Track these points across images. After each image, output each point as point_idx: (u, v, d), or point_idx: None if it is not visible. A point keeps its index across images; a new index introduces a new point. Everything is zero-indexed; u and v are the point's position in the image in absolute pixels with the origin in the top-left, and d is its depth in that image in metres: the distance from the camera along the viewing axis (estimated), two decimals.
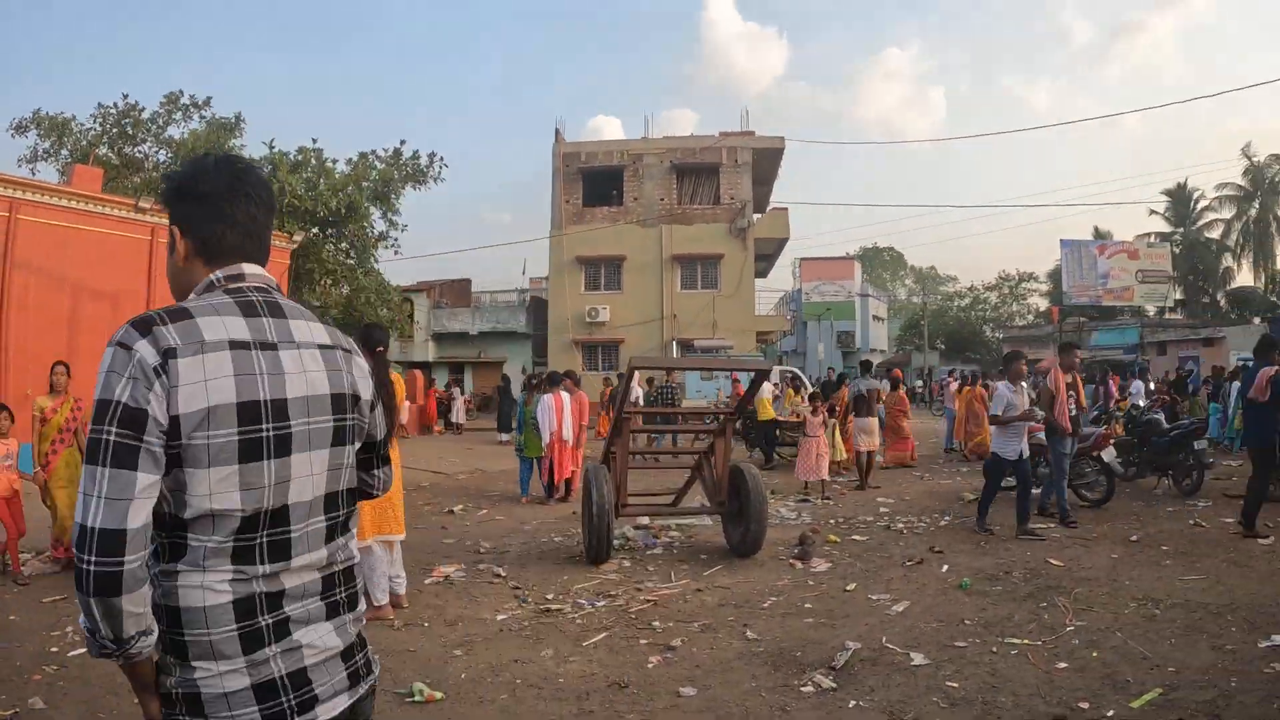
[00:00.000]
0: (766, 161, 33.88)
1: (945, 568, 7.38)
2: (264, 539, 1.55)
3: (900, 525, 9.52)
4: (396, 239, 25.22)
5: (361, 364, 1.80)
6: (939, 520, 9.77)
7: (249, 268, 1.69)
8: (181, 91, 24.14)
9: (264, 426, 1.54)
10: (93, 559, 1.40)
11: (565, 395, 11.91)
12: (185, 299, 1.67)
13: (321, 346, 1.69)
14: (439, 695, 4.59)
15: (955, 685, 4.58)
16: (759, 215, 34.22)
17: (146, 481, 1.43)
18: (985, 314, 59.68)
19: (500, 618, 6.12)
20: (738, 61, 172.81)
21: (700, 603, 6.48)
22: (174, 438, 1.46)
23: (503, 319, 36.76)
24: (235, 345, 1.54)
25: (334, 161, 23.61)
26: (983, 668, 4.86)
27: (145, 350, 1.46)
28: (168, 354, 1.47)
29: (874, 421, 13.05)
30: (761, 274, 40.17)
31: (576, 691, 4.67)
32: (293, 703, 1.55)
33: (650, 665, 5.06)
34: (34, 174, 22.40)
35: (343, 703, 1.64)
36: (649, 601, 6.47)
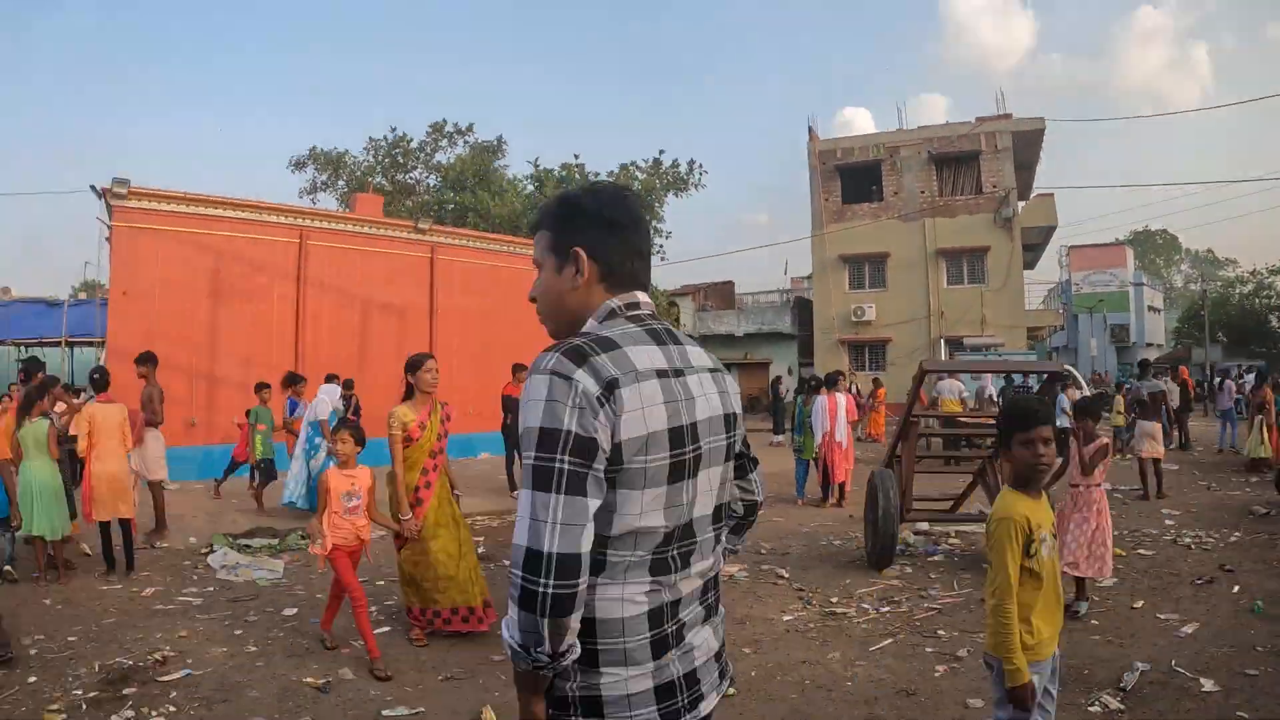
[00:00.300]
0: (1027, 145, 31.71)
1: (1236, 588, 6.76)
2: (675, 551, 1.66)
3: (1188, 540, 8.72)
4: (661, 246, 25.97)
5: (734, 383, 1.89)
6: (1228, 536, 8.87)
7: (642, 296, 1.78)
8: (445, 120, 26.26)
9: (687, 449, 1.63)
10: (550, 582, 1.47)
11: (840, 397, 11.82)
12: (565, 318, 1.79)
13: (710, 370, 1.79)
14: (731, 691, 4.67)
15: (1246, 715, 4.28)
16: (1023, 203, 32.12)
17: (594, 506, 1.52)
18: (1271, 301, 52.40)
19: (786, 618, 6.22)
20: (984, 37, 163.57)
21: (984, 613, 6.22)
22: (615, 463, 1.54)
23: (768, 320, 36.66)
24: (660, 374, 1.63)
25: (596, 175, 24.70)
26: (1275, 699, 4.50)
27: (586, 380, 1.53)
28: (611, 384, 1.54)
29: (1158, 426, 12.00)
30: (1029, 265, 37.41)
31: (864, 696, 4.70)
32: (685, 701, 1.65)
33: (937, 674, 5.01)
34: (314, 203, 25.07)
35: (714, 700, 1.74)
36: (933, 609, 6.38)
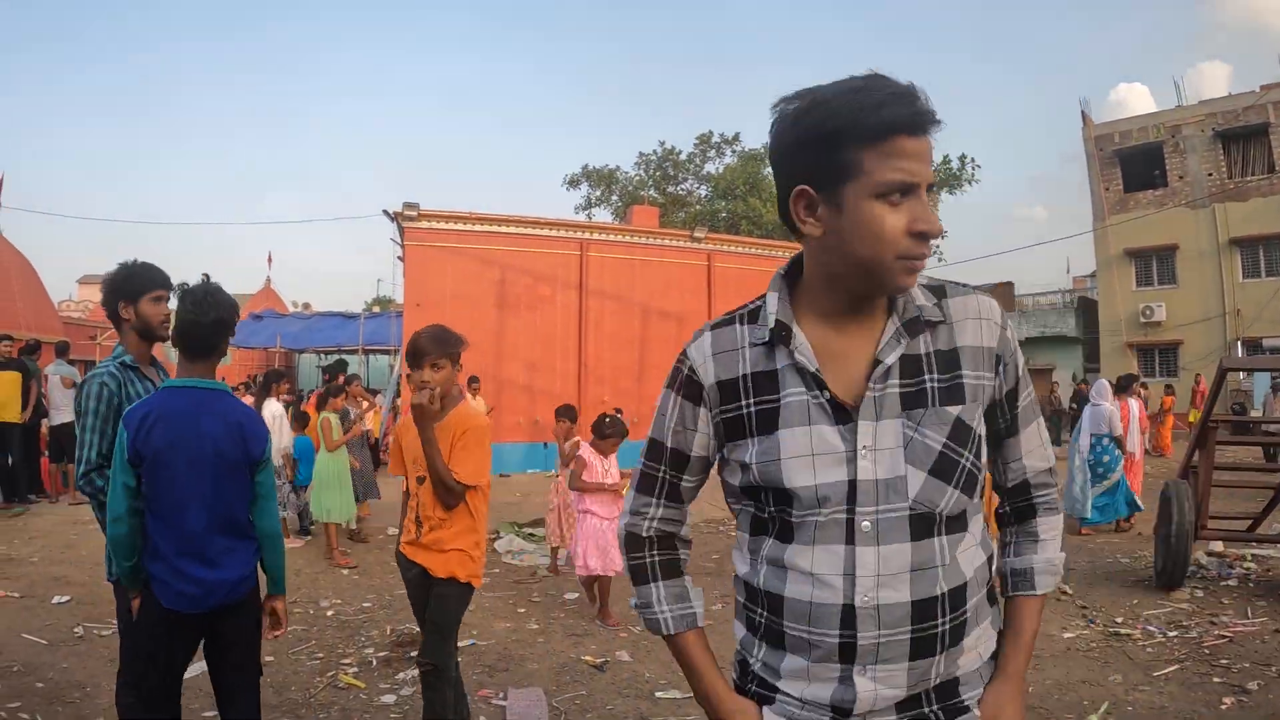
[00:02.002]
0: None
1: None
2: None
3: None
4: (938, 246, 24.73)
5: None
6: None
7: None
8: (711, 132, 26.51)
9: None
10: None
11: (1134, 403, 10.27)
12: None
13: None
14: None
15: None
16: None
17: None
18: None
19: (1067, 635, 5.73)
20: None
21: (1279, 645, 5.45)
22: None
23: (1050, 323, 33.76)
24: None
25: None
26: None
27: None
28: None
29: None
30: None
31: None
32: None
33: (1224, 706, 4.47)
34: (590, 218, 26.08)
35: None
36: (1223, 637, 5.63)
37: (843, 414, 1.33)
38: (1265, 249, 26.59)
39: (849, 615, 1.30)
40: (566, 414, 7.76)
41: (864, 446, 1.31)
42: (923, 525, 1.32)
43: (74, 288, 45.68)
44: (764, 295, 1.46)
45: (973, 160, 23.61)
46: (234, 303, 2.87)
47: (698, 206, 25.69)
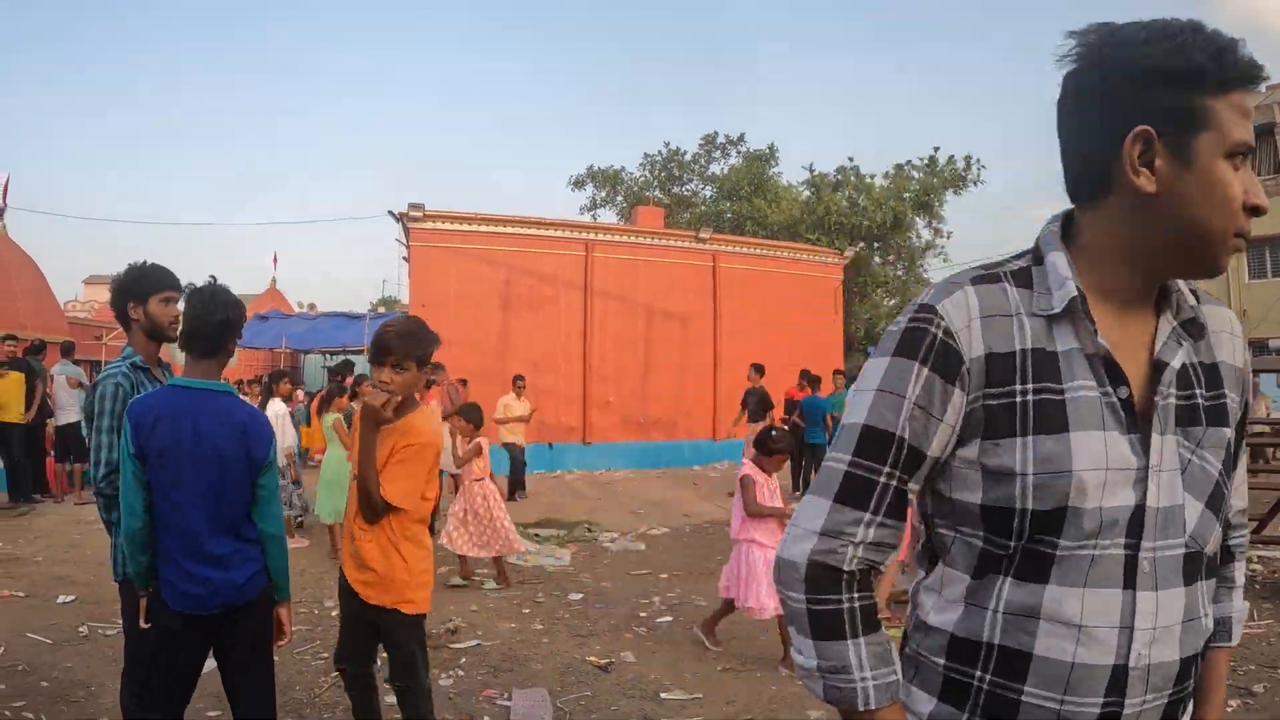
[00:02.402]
0: None
1: None
2: None
3: None
4: (943, 247, 24.71)
5: None
6: None
7: None
8: (716, 132, 26.54)
9: None
10: None
11: None
12: None
13: None
14: None
15: None
16: None
17: None
18: None
19: None
20: None
21: None
22: None
23: None
24: None
25: (871, 177, 23.96)
26: None
27: None
28: None
29: None
30: None
31: None
32: None
33: (1229, 710, 4.33)
34: (595, 219, 26.12)
35: None
36: None
37: (1135, 422, 1.09)
38: (1271, 249, 26.51)
39: (1118, 678, 1.06)
40: (471, 416, 7.16)
41: (1154, 465, 1.08)
42: (1192, 567, 1.10)
43: (79, 288, 45.84)
44: (1029, 252, 1.20)
45: (978, 161, 23.55)
46: (240, 303, 2.87)
47: (703, 207, 25.72)
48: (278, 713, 2.92)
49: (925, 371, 1.10)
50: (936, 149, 23.84)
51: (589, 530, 9.27)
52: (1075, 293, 1.09)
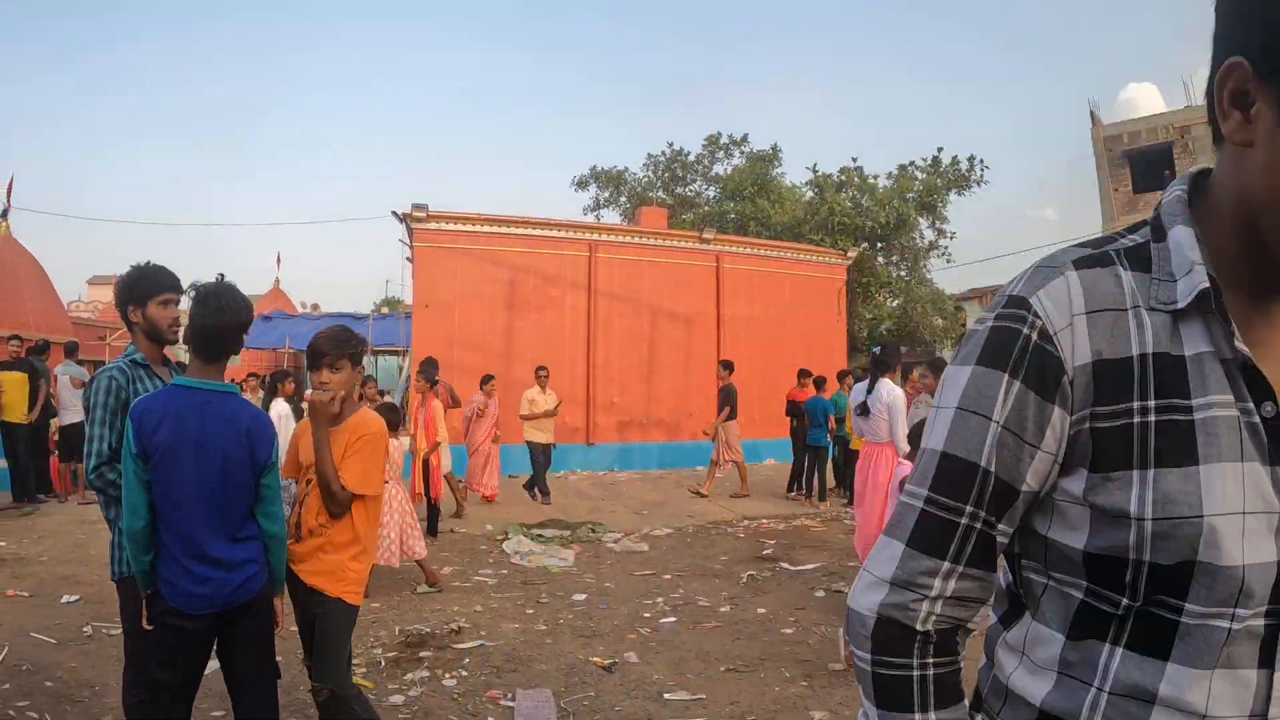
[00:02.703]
0: None
1: None
2: None
3: None
4: (946, 247, 24.63)
5: None
6: None
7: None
8: (720, 133, 26.49)
9: None
10: None
11: None
12: None
13: None
14: None
15: None
16: None
17: None
18: None
19: None
20: None
21: None
22: None
23: None
24: None
25: (875, 177, 23.92)
26: None
27: None
28: None
29: None
30: None
31: None
32: None
33: None
34: (599, 219, 26.11)
35: None
36: None
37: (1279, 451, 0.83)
38: None
39: None
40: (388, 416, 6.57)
41: None
42: None
43: (84, 288, 45.81)
44: (1145, 224, 0.96)
45: (981, 161, 23.48)
46: (249, 303, 2.87)
47: (706, 208, 25.64)
48: (280, 713, 2.92)
49: (1016, 385, 0.87)
50: (940, 149, 23.79)
51: (593, 531, 9.28)
52: (1206, 283, 0.83)
